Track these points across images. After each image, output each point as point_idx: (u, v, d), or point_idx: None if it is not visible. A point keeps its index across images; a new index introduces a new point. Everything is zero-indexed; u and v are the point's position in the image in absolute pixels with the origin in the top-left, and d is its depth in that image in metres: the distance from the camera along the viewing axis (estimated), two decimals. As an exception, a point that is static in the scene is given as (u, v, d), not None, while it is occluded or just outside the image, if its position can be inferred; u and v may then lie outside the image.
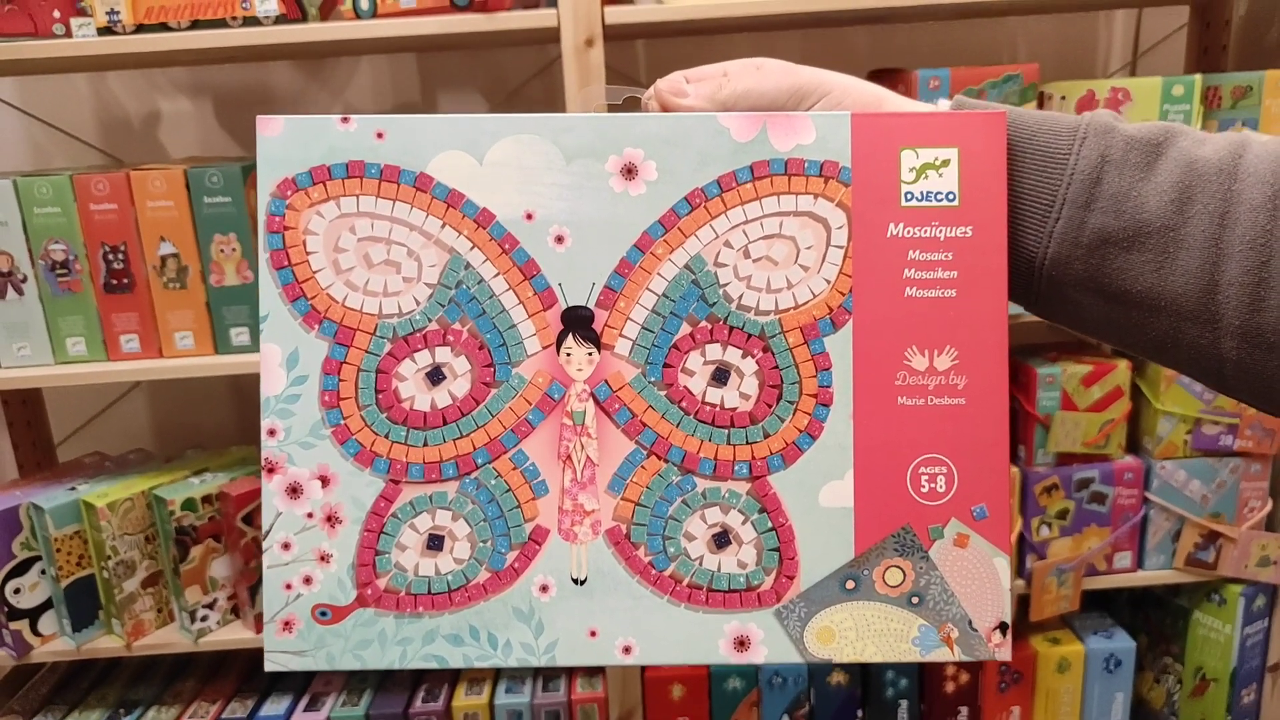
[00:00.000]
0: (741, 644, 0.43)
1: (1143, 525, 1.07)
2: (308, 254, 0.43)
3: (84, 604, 1.05)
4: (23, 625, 1.04)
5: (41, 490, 1.06)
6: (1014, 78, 1.00)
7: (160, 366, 1.02)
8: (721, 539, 0.43)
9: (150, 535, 1.06)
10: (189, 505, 1.03)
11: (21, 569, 1.04)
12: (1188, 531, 1.06)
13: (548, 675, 1.15)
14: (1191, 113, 0.99)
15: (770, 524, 0.43)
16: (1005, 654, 0.43)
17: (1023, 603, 1.08)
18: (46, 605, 1.06)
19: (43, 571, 1.05)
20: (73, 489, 1.06)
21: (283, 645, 0.43)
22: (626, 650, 0.43)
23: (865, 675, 1.12)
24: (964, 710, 1.12)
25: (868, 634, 0.43)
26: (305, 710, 1.11)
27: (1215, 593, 1.09)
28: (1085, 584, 1.09)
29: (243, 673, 1.19)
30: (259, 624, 1.07)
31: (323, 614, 0.43)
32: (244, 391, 1.32)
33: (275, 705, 1.12)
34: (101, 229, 0.99)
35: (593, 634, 0.43)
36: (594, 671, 1.14)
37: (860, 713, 1.13)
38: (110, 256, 1.00)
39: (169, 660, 1.21)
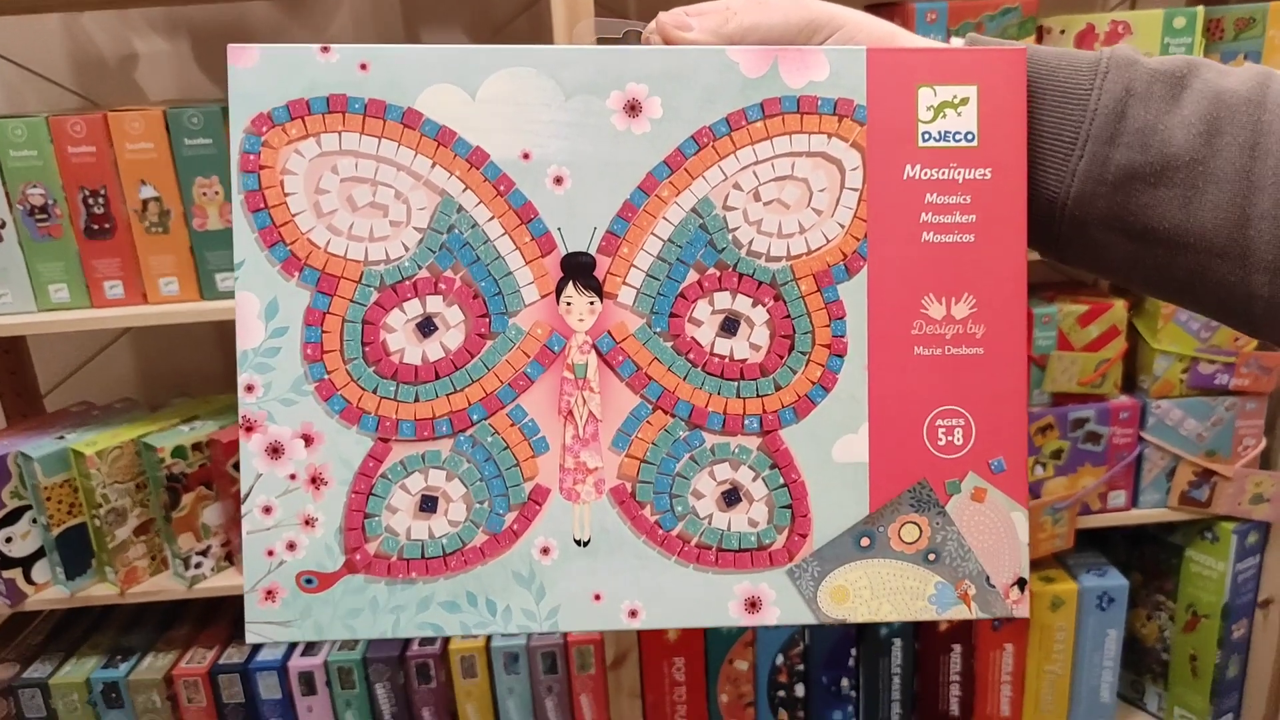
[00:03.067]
0: (753, 605, 0.42)
1: (1137, 464, 1.07)
2: (286, 196, 0.40)
3: (76, 552, 1.04)
4: (16, 574, 1.03)
5: (29, 439, 1.04)
6: (1012, 10, 0.97)
7: (145, 313, 0.99)
8: (731, 496, 0.42)
9: (141, 483, 1.05)
10: (179, 453, 1.02)
11: (12, 518, 1.03)
12: (1182, 470, 1.06)
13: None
14: (1193, 45, 0.97)
15: (782, 480, 0.41)
16: (1024, 610, 0.42)
17: (1017, 542, 1.09)
18: (39, 554, 1.05)
19: (34, 520, 1.04)
20: (61, 438, 1.04)
21: (265, 615, 0.40)
22: (633, 614, 0.41)
23: (860, 615, 1.13)
24: (957, 648, 1.13)
25: (883, 592, 0.42)
26: (301, 655, 1.11)
27: (1208, 530, 1.09)
28: (1079, 523, 1.09)
29: (238, 618, 1.19)
30: (254, 571, 1.07)
31: (308, 581, 0.40)
32: (232, 338, 1.30)
33: (271, 651, 1.12)
34: (80, 172, 0.96)
35: (597, 597, 0.41)
36: (590, 614, 1.15)
37: (854, 651, 1.14)
38: (90, 200, 0.97)
39: (163, 607, 1.21)
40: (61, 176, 0.96)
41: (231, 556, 1.09)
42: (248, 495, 0.40)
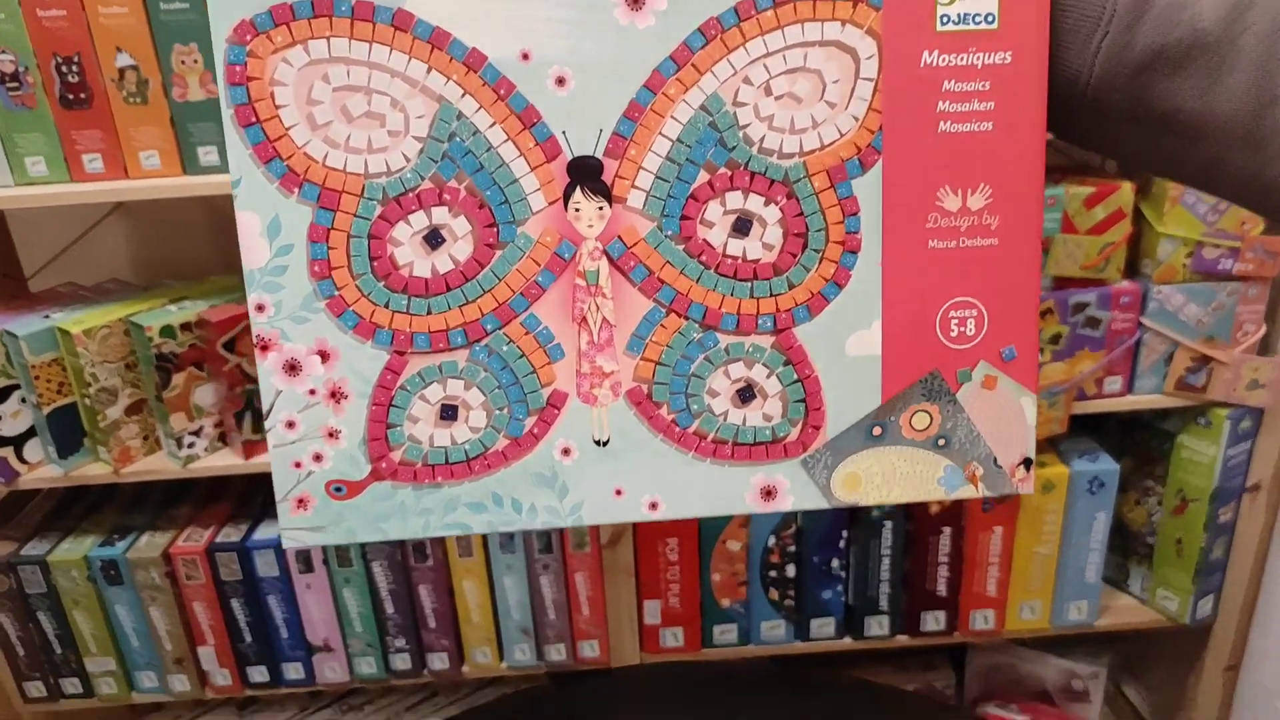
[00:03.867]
0: (768, 494, 0.43)
1: (1135, 349, 1.07)
2: (277, 108, 0.39)
3: (68, 431, 1.04)
4: (8, 452, 1.03)
5: (14, 318, 1.02)
6: None
7: (127, 188, 0.97)
8: (746, 394, 0.42)
9: (130, 363, 1.04)
10: (168, 332, 1.01)
11: (1, 396, 1.02)
12: (1180, 355, 1.06)
13: (539, 499, 1.16)
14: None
15: (796, 376, 0.42)
16: (1028, 488, 0.43)
17: (1011, 426, 1.09)
18: (30, 433, 1.05)
19: (23, 399, 1.03)
20: (47, 316, 1.03)
21: (298, 523, 0.42)
22: (653, 506, 0.43)
23: (852, 497, 1.14)
24: (947, 530, 1.15)
25: (894, 478, 0.43)
26: (300, 534, 1.12)
27: (1202, 416, 1.09)
28: (1074, 408, 1.09)
29: (236, 497, 1.20)
30: (248, 450, 1.07)
31: (338, 490, 0.42)
32: (220, 217, 1.28)
33: (269, 529, 1.13)
34: (52, 38, 0.92)
35: (618, 493, 0.42)
36: (585, 496, 1.15)
37: (846, 533, 1.15)
38: (64, 69, 0.93)
39: (161, 487, 1.22)
40: (32, 42, 0.92)
41: (225, 437, 1.09)
42: (269, 412, 0.41)
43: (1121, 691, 1.46)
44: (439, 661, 1.18)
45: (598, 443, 0.42)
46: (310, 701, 1.30)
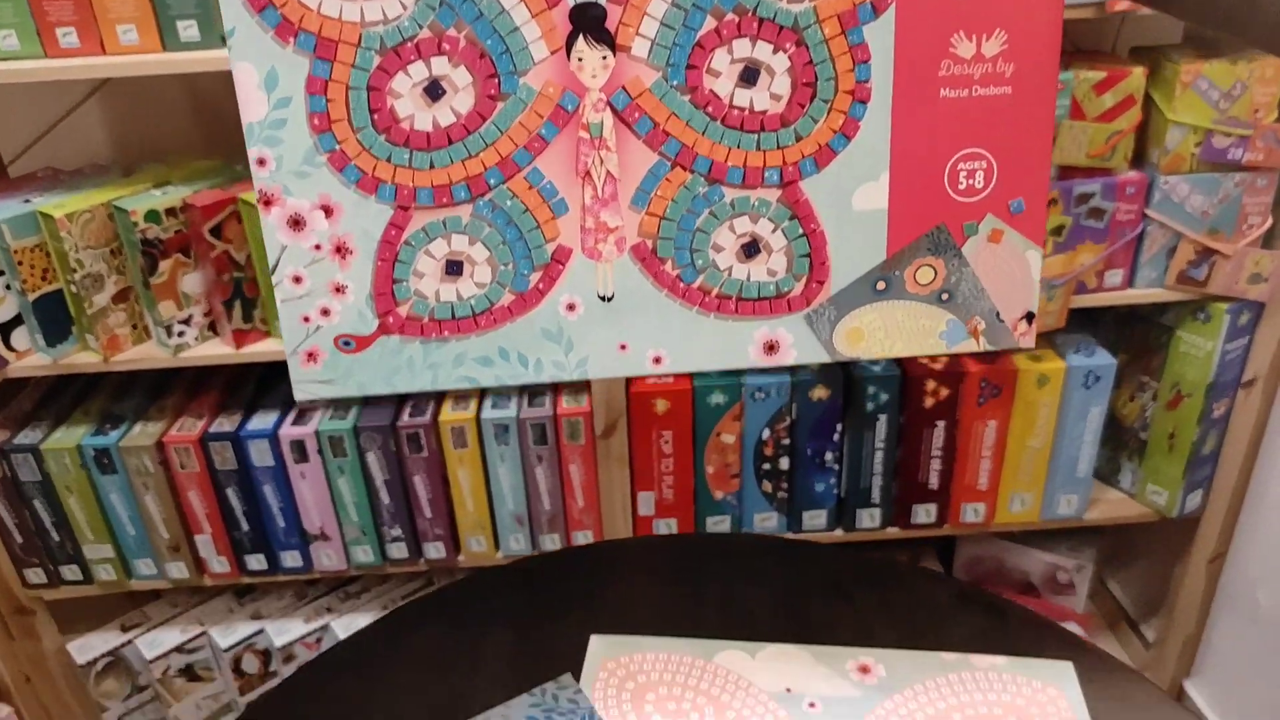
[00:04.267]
0: (771, 348, 0.43)
1: (1138, 242, 1.05)
2: None
3: (55, 318, 1.02)
4: (-6, 339, 1.02)
5: (-7, 201, 1.00)
6: None
7: (103, 64, 0.93)
8: (751, 248, 0.42)
9: (115, 249, 1.01)
10: (152, 217, 0.98)
11: (-16, 282, 1.00)
12: (1183, 248, 1.04)
13: (533, 391, 1.15)
14: None
15: (801, 230, 0.41)
16: (1029, 341, 0.43)
17: (1010, 320, 1.08)
18: (17, 320, 1.03)
19: (7, 286, 1.01)
20: (27, 200, 1.00)
21: (309, 376, 0.42)
22: (657, 360, 0.43)
23: (847, 389, 1.14)
24: (941, 423, 1.15)
25: (896, 332, 0.42)
26: (293, 424, 1.12)
27: (1201, 310, 1.08)
28: (1073, 302, 1.08)
29: (227, 386, 1.19)
30: (238, 339, 1.06)
31: (346, 344, 0.42)
32: (202, 99, 1.23)
33: (263, 419, 1.13)
34: (14, -101, 0.87)
35: (623, 348, 0.43)
36: (579, 387, 1.15)
37: (840, 426, 1.15)
38: (29, -67, 0.88)
39: (151, 375, 1.21)
40: (-5, -98, 0.87)
41: (215, 325, 1.07)
42: (275, 267, 0.41)
43: (1105, 585, 1.49)
44: (435, 550, 1.20)
45: (602, 298, 0.42)
46: (308, 589, 1.32)
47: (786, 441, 1.16)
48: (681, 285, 0.41)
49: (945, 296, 0.42)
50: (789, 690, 0.61)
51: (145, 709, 1.28)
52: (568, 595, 0.71)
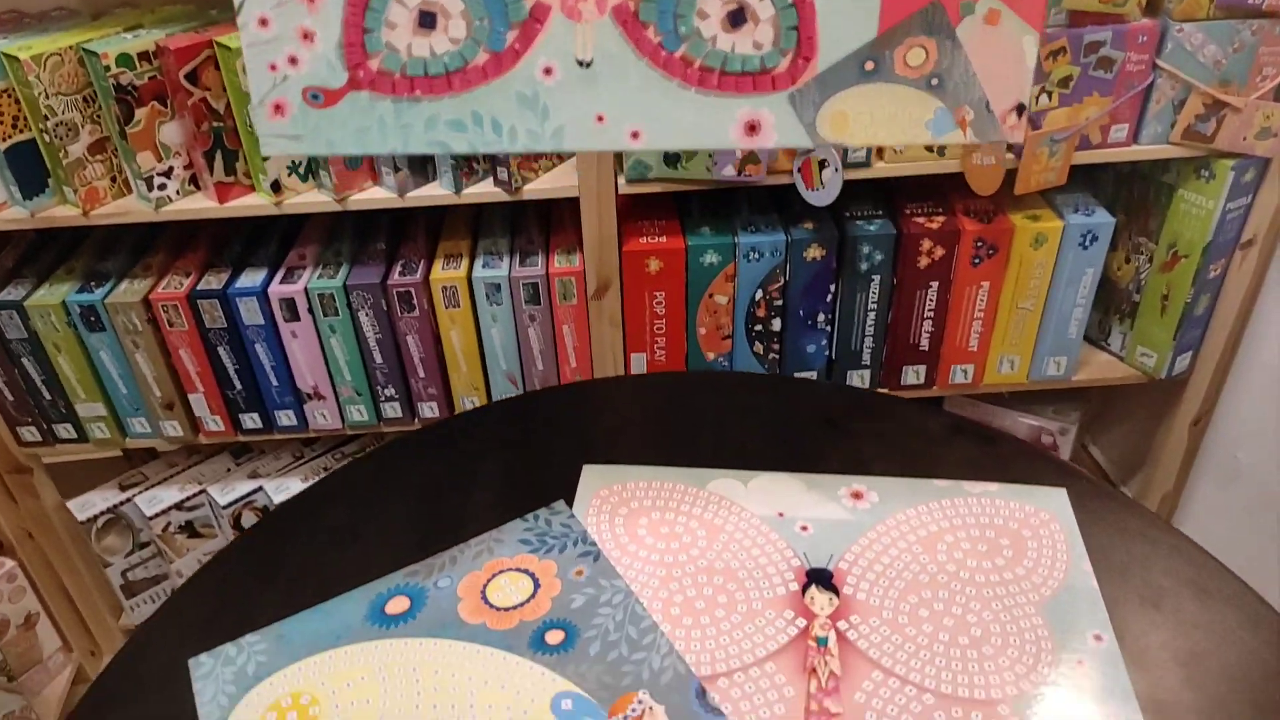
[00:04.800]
0: (752, 129, 0.41)
1: (1145, 95, 1.02)
2: None
3: (29, 169, 1.00)
4: (-30, 190, 0.99)
5: (-43, 44, 0.95)
6: None
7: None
8: (737, 17, 0.39)
9: (89, 96, 0.98)
10: (125, 61, 0.94)
11: (-46, 130, 0.97)
12: (1192, 101, 1.01)
13: (525, 250, 1.14)
14: None
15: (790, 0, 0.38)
16: (1017, 136, 0.42)
17: (1009, 176, 1.06)
18: (-9, 172, 1.00)
19: (-21, 135, 0.98)
20: (-8, 44, 0.96)
21: (276, 130, 0.41)
22: (634, 135, 0.41)
23: (841, 250, 1.12)
24: (934, 285, 1.14)
25: (882, 119, 0.40)
26: (281, 282, 1.10)
27: (1205, 168, 1.07)
28: (1076, 158, 1.06)
29: (214, 244, 1.17)
30: (221, 193, 1.03)
31: (314, 97, 0.40)
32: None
33: (251, 277, 1.11)
34: None
35: (600, 119, 0.41)
36: (571, 247, 1.14)
37: (833, 287, 1.15)
38: None
39: (136, 233, 1.19)
40: None
41: (196, 179, 1.04)
42: (241, 7, 0.39)
43: (1086, 449, 1.52)
44: (429, 410, 1.20)
45: (580, 63, 0.40)
46: (305, 450, 1.33)
47: (779, 303, 1.15)
48: (663, 54, 0.39)
49: (935, 82, 0.40)
50: (781, 514, 0.62)
51: (148, 564, 1.31)
52: (559, 429, 0.71)
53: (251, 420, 1.19)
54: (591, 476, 0.67)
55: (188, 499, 1.26)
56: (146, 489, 1.27)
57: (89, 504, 1.25)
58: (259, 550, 0.63)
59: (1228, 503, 1.23)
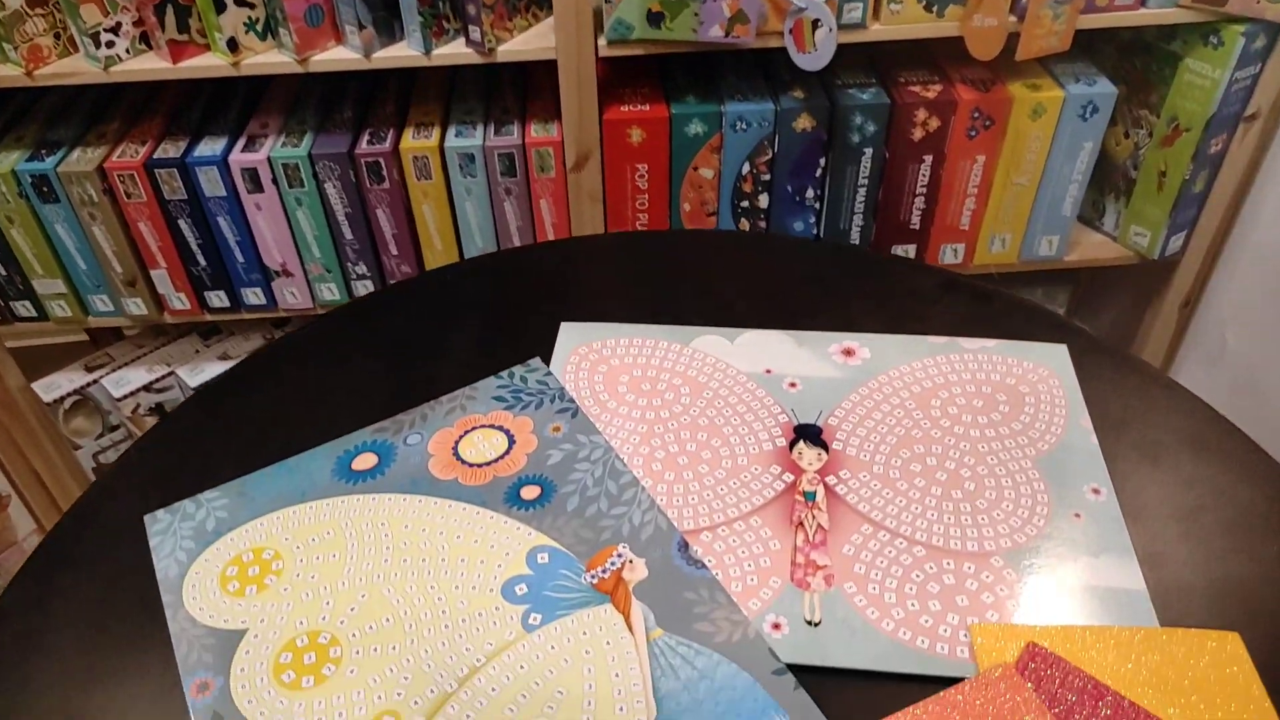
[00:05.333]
0: None
1: (1156, -46, 0.97)
2: None
3: (-34, 20, 0.93)
4: (-99, 43, 0.92)
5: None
6: None
7: None
8: None
9: (25, -59, 0.90)
10: (62, -100, 0.87)
11: (-121, -24, 0.89)
12: (1204, -41, 0.96)
13: (500, 119, 1.08)
14: None
15: None
16: None
17: (1009, 41, 1.01)
18: (-75, 25, 0.93)
19: (-93, -18, 0.90)
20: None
21: None
22: None
23: (831, 120, 1.07)
24: (928, 159, 1.10)
25: None
26: (243, 151, 1.05)
27: (1213, 34, 1.02)
28: (1080, 22, 1.00)
29: (170, 112, 1.11)
30: (174, 52, 0.97)
31: None
32: None
33: (211, 145, 1.05)
34: None
35: None
36: (549, 115, 1.08)
37: (823, 160, 1.10)
38: None
39: (88, 99, 1.12)
40: None
41: (148, 38, 0.98)
42: None
43: (1074, 337, 1.50)
44: (402, 289, 1.16)
45: None
46: (276, 331, 1.29)
47: (766, 177, 1.11)
48: None
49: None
50: (769, 371, 0.60)
51: (119, 446, 1.28)
52: (536, 287, 0.67)
53: (218, 298, 1.15)
54: (569, 334, 0.63)
55: (156, 380, 1.22)
56: (113, 370, 1.23)
57: (54, 385, 1.21)
58: (220, 407, 0.60)
59: (1213, 384, 1.22)
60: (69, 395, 1.21)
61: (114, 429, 1.26)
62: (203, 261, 1.11)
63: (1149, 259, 1.18)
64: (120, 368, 1.23)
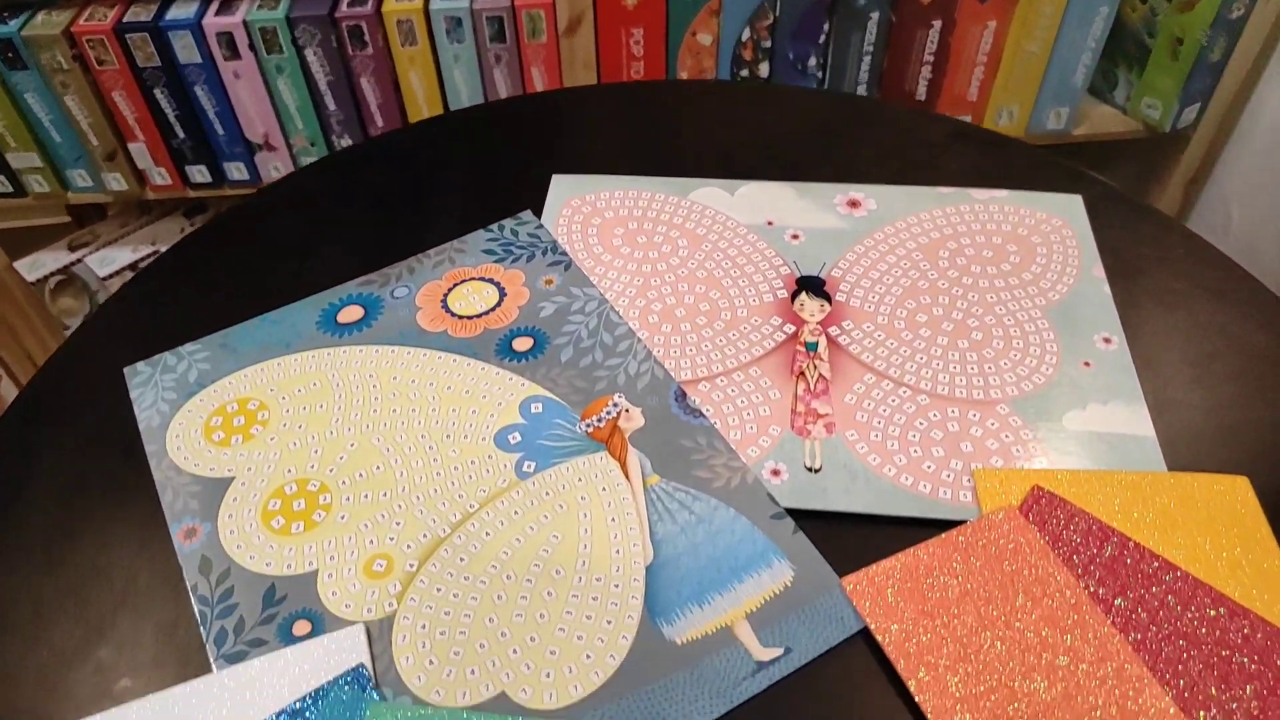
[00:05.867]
0: None
1: None
2: None
3: None
4: None
5: None
6: None
7: None
8: None
9: None
10: None
11: None
12: None
13: (488, -19, 1.03)
14: None
15: None
16: None
17: (1027, -108, 0.95)
18: None
19: None
20: None
21: None
22: None
23: (838, -19, 1.02)
24: (937, 24, 1.05)
25: None
26: (217, 14, 1.00)
27: (1241, -116, 0.96)
28: None
29: (140, -25, 1.05)
30: (140, -99, 0.91)
31: None
32: None
33: (182, 9, 1.00)
34: None
35: None
36: None
37: (827, 25, 1.05)
38: None
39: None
40: None
41: (111, -114, 0.92)
42: None
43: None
44: (389, 163, 1.12)
45: None
46: (260, 212, 1.25)
47: (767, 44, 1.06)
48: None
49: None
50: (770, 223, 0.57)
51: (105, 330, 1.26)
52: (526, 139, 0.64)
53: (200, 173, 1.11)
54: (561, 186, 0.61)
55: (141, 259, 1.19)
56: (98, 249, 1.20)
57: (38, 263, 1.19)
58: (199, 260, 0.58)
59: (1220, 263, 1.20)
60: (54, 274, 1.18)
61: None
62: (182, 134, 1.07)
63: (1159, 131, 1.15)
64: (104, 246, 1.20)
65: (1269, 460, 0.46)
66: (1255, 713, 0.39)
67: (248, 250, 0.58)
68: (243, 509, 0.45)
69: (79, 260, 1.19)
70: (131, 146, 1.08)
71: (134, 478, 0.47)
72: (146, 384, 0.51)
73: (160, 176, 1.11)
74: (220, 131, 1.08)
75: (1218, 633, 0.41)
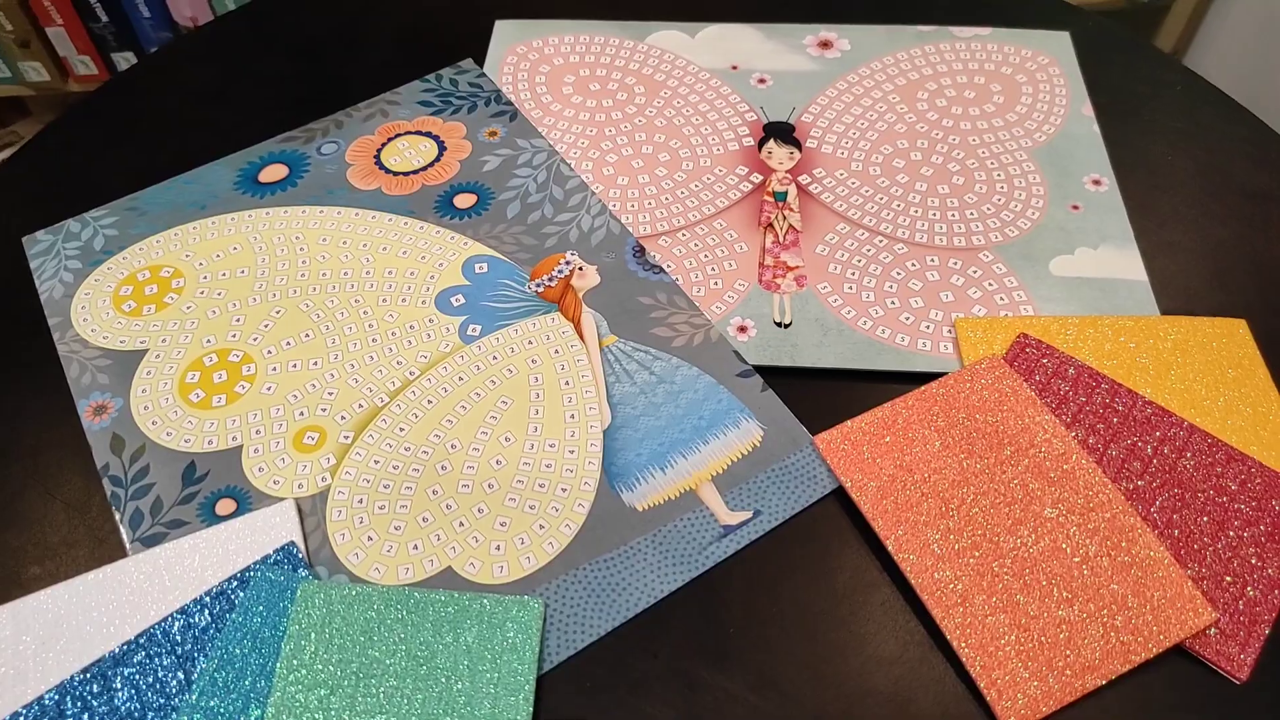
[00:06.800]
0: None
1: None
2: None
3: None
4: None
5: None
6: None
7: None
8: None
9: None
10: None
11: None
12: None
13: None
14: None
15: None
16: None
17: None
18: None
19: None
20: None
21: None
22: None
23: None
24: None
25: None
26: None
27: None
28: None
29: None
30: None
31: None
32: None
33: None
34: None
35: None
36: None
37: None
38: None
39: None
40: None
41: None
42: None
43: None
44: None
45: None
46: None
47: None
48: None
49: None
50: (735, 67, 0.53)
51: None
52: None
53: (126, 60, 1.03)
54: (505, 31, 0.55)
55: (69, 158, 1.12)
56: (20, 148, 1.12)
57: (-44, 166, 1.11)
58: (106, 115, 0.52)
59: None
60: (-25, 176, 1.11)
61: (32, 214, 1.17)
62: (104, 18, 0.99)
63: (1138, 3, 1.09)
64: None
65: (1266, 303, 0.43)
66: (1253, 559, 0.36)
67: (159, 105, 0.53)
68: (157, 382, 0.41)
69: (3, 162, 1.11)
70: (49, 31, 1.00)
71: (37, 353, 0.43)
72: (48, 253, 0.46)
73: (84, 66, 1.03)
74: (146, 14, 1.00)
75: (1214, 479, 0.38)
